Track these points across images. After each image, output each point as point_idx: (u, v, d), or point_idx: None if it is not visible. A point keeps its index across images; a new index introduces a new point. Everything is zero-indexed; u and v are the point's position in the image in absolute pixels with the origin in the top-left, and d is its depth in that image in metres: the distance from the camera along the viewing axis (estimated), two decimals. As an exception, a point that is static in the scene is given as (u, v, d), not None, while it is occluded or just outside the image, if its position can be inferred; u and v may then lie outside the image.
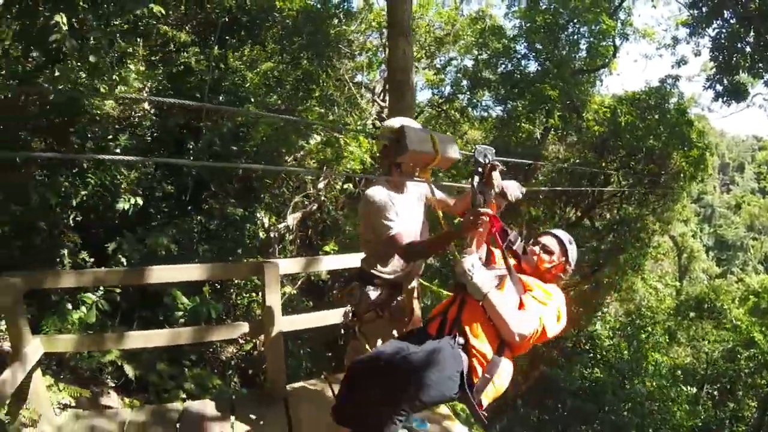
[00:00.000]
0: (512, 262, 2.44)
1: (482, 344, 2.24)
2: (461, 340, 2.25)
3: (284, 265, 3.55)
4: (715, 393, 10.80)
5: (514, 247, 2.54)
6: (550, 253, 2.50)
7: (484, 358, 2.22)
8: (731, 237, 33.56)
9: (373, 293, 2.68)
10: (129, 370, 4.48)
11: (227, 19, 7.16)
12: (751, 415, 10.13)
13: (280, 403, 3.40)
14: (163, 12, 5.26)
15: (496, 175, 2.21)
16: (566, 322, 2.34)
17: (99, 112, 6.08)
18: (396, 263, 2.69)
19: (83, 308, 4.51)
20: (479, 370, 2.21)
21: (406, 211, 2.65)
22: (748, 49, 9.54)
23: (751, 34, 9.32)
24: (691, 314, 13.31)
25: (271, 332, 3.38)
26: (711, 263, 27.47)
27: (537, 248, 2.52)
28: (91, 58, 4.56)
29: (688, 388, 10.59)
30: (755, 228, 32.82)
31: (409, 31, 4.53)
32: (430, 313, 2.57)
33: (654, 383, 8.95)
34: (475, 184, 2.20)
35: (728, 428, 9.96)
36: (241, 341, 6.17)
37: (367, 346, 2.72)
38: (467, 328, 2.27)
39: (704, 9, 9.89)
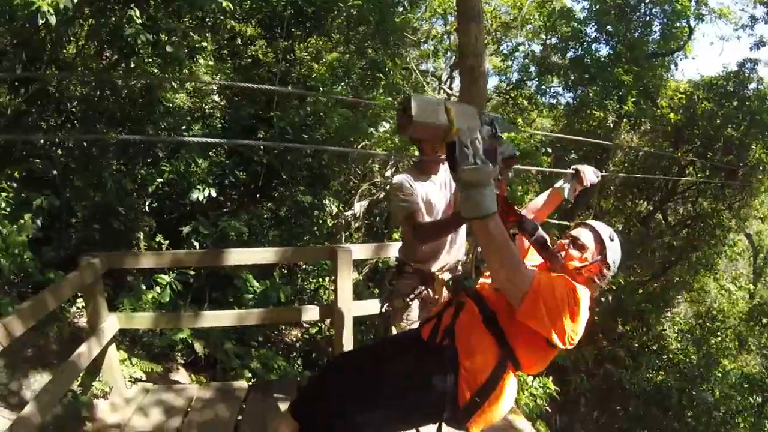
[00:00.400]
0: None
1: (474, 361, 1.80)
2: (451, 354, 1.83)
3: (355, 251, 3.58)
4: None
5: (533, 239, 1.99)
6: (582, 248, 1.95)
7: (474, 378, 1.79)
8: (814, 237, 30.98)
9: (404, 282, 2.66)
10: (198, 348, 4.68)
11: (292, 11, 7.28)
12: (819, 431, 9.34)
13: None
14: (231, 7, 5.40)
15: (501, 149, 1.77)
16: (574, 345, 1.73)
17: (172, 104, 6.37)
18: (427, 252, 2.60)
19: (157, 288, 4.75)
20: (467, 391, 1.79)
21: (430, 196, 2.57)
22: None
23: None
24: (764, 320, 12.38)
25: (341, 316, 3.42)
26: (791, 266, 25.44)
27: (566, 242, 2.00)
28: (168, 48, 4.75)
29: (755, 398, 9.92)
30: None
31: (480, 16, 4.42)
32: (430, 312, 2.27)
33: (720, 392, 8.44)
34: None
35: (791, 444, 9.25)
36: (306, 325, 6.31)
37: (395, 331, 2.71)
38: (459, 340, 1.86)
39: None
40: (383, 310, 2.73)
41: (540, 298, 1.62)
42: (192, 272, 5.04)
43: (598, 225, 2.03)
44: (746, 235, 18.06)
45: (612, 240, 1.98)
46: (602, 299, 8.40)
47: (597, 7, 10.14)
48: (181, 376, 4.83)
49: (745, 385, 9.95)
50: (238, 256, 3.56)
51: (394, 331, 2.68)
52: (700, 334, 10.48)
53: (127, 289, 4.70)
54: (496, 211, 1.50)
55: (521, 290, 1.62)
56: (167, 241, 5.50)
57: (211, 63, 7.62)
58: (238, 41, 7.99)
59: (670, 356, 8.86)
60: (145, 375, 4.21)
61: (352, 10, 8.12)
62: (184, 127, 6.31)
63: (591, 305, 1.80)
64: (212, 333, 4.83)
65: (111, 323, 3.29)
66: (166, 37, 5.03)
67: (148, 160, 6.02)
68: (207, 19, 7.18)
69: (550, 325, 1.64)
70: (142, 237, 5.46)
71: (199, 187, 5.73)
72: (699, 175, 10.08)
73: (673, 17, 10.05)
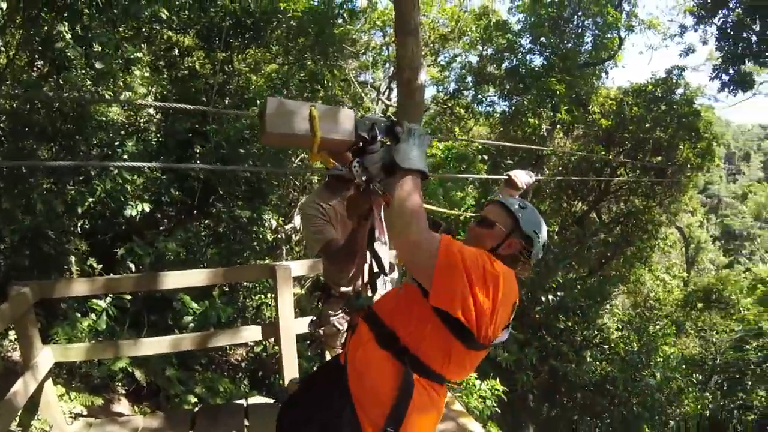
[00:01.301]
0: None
1: (364, 386, 1.56)
2: (343, 384, 1.61)
3: (295, 268, 3.55)
4: (724, 383, 10.75)
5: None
6: (491, 225, 1.69)
7: (371, 406, 1.54)
8: (738, 227, 33.35)
9: (331, 307, 2.52)
10: (139, 376, 4.50)
11: (231, 23, 7.16)
12: (761, 404, 10.08)
13: (294, 406, 3.40)
14: (167, 14, 5.24)
15: (373, 157, 1.59)
16: (495, 324, 1.50)
17: (105, 118, 6.11)
18: (352, 275, 2.36)
19: (93, 315, 4.54)
20: (368, 426, 1.54)
21: (344, 213, 2.32)
22: (754, 38, 9.44)
23: (757, 23, 9.23)
24: (699, 305, 13.26)
25: (284, 335, 3.38)
26: (718, 253, 27.34)
27: (474, 224, 1.78)
28: (98, 65, 4.56)
29: (696, 376, 10.58)
30: (762, 217, 32.63)
31: (417, 30, 4.51)
32: None
33: (662, 375, 8.93)
34: (356, 163, 1.61)
35: (737, 418, 9.92)
36: (251, 344, 6.18)
37: (329, 357, 2.62)
38: (349, 366, 1.63)
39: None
40: (314, 335, 2.62)
41: (451, 260, 1.40)
42: (128, 296, 4.84)
43: (505, 198, 1.80)
44: (677, 228, 19.34)
45: (523, 207, 1.73)
46: (542, 298, 8.73)
47: (532, 19, 10.60)
48: (123, 407, 4.63)
49: (683, 367, 10.61)
50: (175, 279, 3.44)
51: (328, 356, 2.64)
52: (639, 323, 11.05)
53: (61, 318, 4.47)
54: (423, 171, 1.50)
55: (430, 251, 1.41)
56: (101, 265, 5.26)
57: (146, 74, 7.38)
58: (175, 52, 7.77)
59: (612, 347, 9.27)
60: (86, 409, 4.01)
61: (291, 22, 8.09)
62: (117, 143, 6.06)
63: (516, 289, 1.59)
64: (152, 359, 4.67)
65: (46, 357, 3.10)
66: (100, 49, 4.83)
67: (80, 178, 5.74)
68: (143, 29, 6.95)
69: (461, 296, 1.40)
70: (74, 261, 5.20)
71: (132, 203, 5.51)
72: (630, 175, 10.65)
73: (604, 29, 10.70)
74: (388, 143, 1.61)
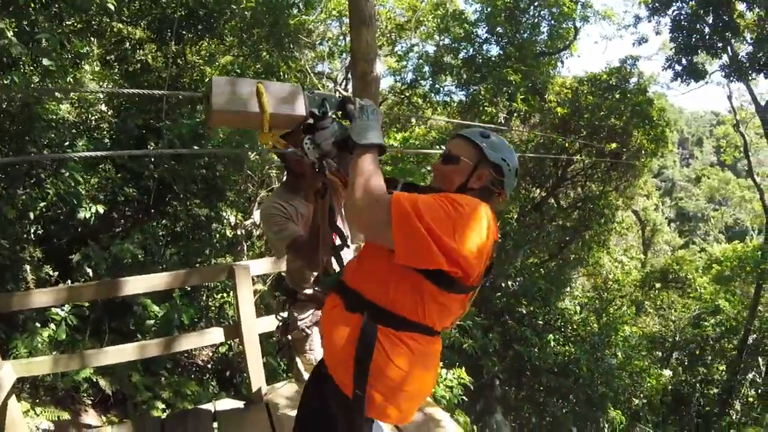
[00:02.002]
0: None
1: (333, 348, 1.57)
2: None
3: (254, 267, 3.50)
4: (685, 359, 11.30)
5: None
6: (454, 160, 1.60)
7: (341, 364, 1.54)
8: (692, 209, 34.85)
9: (299, 312, 2.42)
10: (105, 386, 4.38)
11: (183, 14, 6.93)
12: (721, 378, 10.65)
13: (261, 405, 3.38)
14: (116, 5, 5.01)
15: (324, 133, 1.56)
16: (468, 264, 1.39)
17: (54, 117, 5.85)
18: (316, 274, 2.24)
19: (52, 325, 4.37)
20: (347, 387, 1.52)
21: (305, 210, 2.28)
22: (706, 29, 9.83)
23: (710, 15, 9.60)
24: (657, 285, 13.83)
25: (247, 335, 3.34)
26: (673, 235, 28.43)
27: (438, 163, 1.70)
28: (45, 62, 4.35)
29: (657, 354, 11.05)
30: (715, 199, 34.13)
31: (372, 20, 4.46)
32: None
33: (624, 354, 9.28)
34: (307, 140, 1.57)
35: (699, 392, 10.45)
36: (215, 344, 6.09)
37: (300, 363, 2.57)
38: (323, 341, 1.67)
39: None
40: (283, 341, 2.52)
41: (404, 219, 1.32)
42: (87, 303, 4.68)
43: (467, 130, 1.70)
44: (633, 211, 20.02)
45: (486, 137, 1.62)
46: (503, 284, 8.92)
47: (488, 9, 10.68)
48: (90, 417, 4.51)
49: (644, 345, 11.07)
50: (135, 285, 3.33)
51: (299, 362, 2.59)
52: (599, 305, 11.45)
53: (20, 330, 4.28)
54: (381, 145, 1.46)
55: (384, 209, 1.34)
56: (56, 272, 5.05)
57: (97, 69, 7.08)
58: (126, 45, 7.48)
59: (574, 329, 9.56)
60: (53, 423, 3.88)
61: (245, 12, 7.90)
62: (68, 143, 5.81)
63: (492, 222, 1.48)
64: (117, 367, 4.54)
65: (7, 373, 2.95)
66: (47, 44, 4.59)
67: (31, 181, 5.48)
68: (92, 22, 6.66)
69: (426, 250, 1.32)
70: (29, 270, 4.98)
71: (86, 205, 5.30)
72: (587, 161, 10.95)
73: (560, 19, 10.88)
74: (339, 119, 1.60)
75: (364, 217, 1.40)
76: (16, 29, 4.20)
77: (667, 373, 10.34)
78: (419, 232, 1.31)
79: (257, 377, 3.43)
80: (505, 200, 1.67)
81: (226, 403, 3.48)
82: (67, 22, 5.44)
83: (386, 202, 1.35)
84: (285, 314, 2.48)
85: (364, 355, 1.45)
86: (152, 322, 4.98)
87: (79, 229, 5.62)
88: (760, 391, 9.69)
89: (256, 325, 3.38)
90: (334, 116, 1.59)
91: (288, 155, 2.18)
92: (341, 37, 11.06)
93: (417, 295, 1.45)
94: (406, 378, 1.48)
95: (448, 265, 1.35)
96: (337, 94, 1.63)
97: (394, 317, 1.46)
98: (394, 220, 1.33)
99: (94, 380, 4.41)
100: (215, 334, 3.47)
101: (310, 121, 1.55)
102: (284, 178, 2.48)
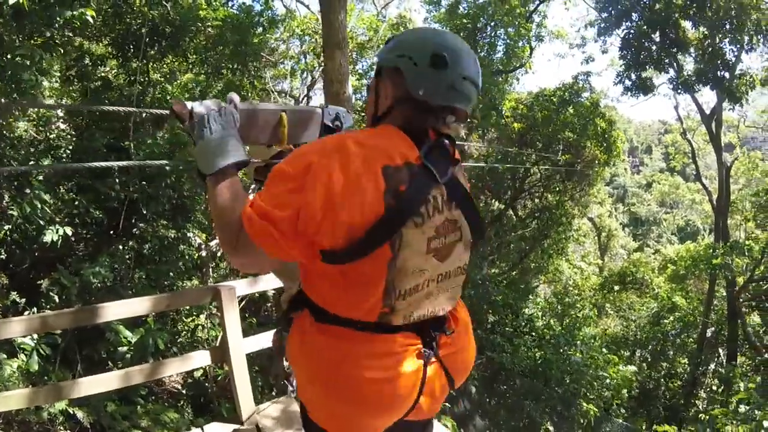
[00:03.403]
0: None
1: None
2: None
3: (239, 287, 3.50)
4: (648, 355, 11.82)
5: None
6: (369, 92, 1.32)
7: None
8: (644, 213, 36.53)
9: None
10: (83, 418, 4.21)
11: (148, 29, 6.83)
12: (684, 371, 11.22)
13: (252, 429, 3.37)
14: (94, 17, 4.88)
15: None
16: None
17: (11, 134, 5.64)
18: None
19: (22, 356, 4.19)
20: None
21: None
22: (654, 47, 10.50)
23: (657, 33, 10.28)
24: (616, 287, 14.45)
25: (234, 357, 3.33)
26: (628, 239, 29.72)
27: None
28: (25, 75, 4.22)
29: (621, 352, 11.52)
30: (666, 203, 35.87)
31: (345, 42, 4.59)
32: None
33: (585, 353, 9.64)
34: None
35: (664, 385, 10.97)
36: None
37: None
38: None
39: (613, 12, 10.80)
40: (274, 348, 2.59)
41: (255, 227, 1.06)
42: (58, 331, 4.51)
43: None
44: (589, 218, 20.90)
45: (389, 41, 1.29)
46: (469, 294, 9.14)
47: (447, 28, 11.06)
48: (68, 452, 4.32)
49: (608, 342, 11.53)
50: (115, 310, 3.25)
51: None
52: (561, 310, 11.87)
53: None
54: (216, 172, 1.16)
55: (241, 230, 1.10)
56: (23, 299, 4.85)
57: (56, 85, 6.87)
58: (87, 61, 7.28)
59: (539, 333, 9.88)
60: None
61: (209, 30, 7.87)
62: (31, 161, 5.61)
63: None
64: (92, 397, 4.36)
65: None
66: (18, 59, 4.44)
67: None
68: (54, 37, 6.48)
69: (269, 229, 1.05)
70: (-7, 296, 4.77)
71: (51, 228, 5.12)
72: (543, 171, 11.43)
73: (516, 38, 11.35)
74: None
75: (241, 258, 1.16)
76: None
77: (631, 368, 10.81)
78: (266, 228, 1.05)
79: (246, 399, 3.41)
80: (444, 114, 1.19)
81: (215, 428, 3.44)
82: (34, 38, 5.26)
83: (242, 230, 1.09)
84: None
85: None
86: (125, 349, 4.83)
87: (43, 253, 5.42)
88: (723, 379, 10.24)
89: (243, 347, 3.38)
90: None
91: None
92: (303, 56, 11.13)
93: (322, 278, 1.18)
94: (318, 375, 1.20)
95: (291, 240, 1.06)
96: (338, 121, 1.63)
97: (315, 306, 1.21)
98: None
99: (71, 412, 4.24)
100: (200, 358, 3.43)
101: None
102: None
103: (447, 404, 5.49)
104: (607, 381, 9.45)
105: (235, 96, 1.30)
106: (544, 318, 10.98)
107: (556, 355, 8.93)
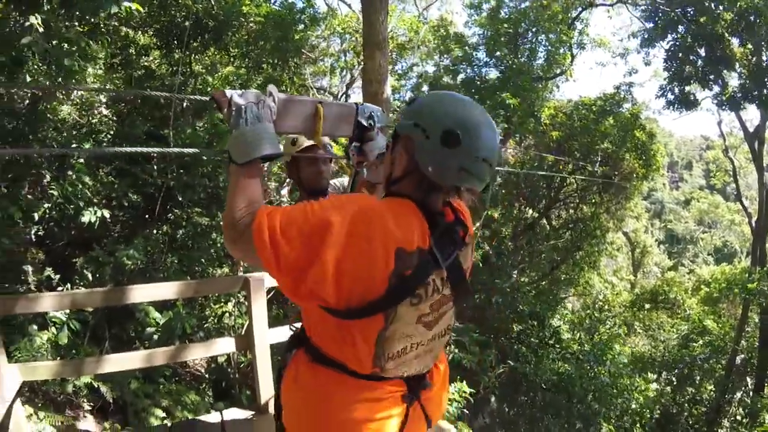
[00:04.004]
0: None
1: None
2: None
3: (267, 278, 3.52)
4: (673, 379, 11.42)
5: None
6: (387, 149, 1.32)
7: None
8: (681, 231, 35.39)
9: None
10: (106, 392, 4.34)
11: (192, 23, 7.00)
12: (709, 397, 10.78)
13: (270, 417, 3.38)
14: (141, 9, 5.03)
15: (371, 144, 1.62)
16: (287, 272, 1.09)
17: (55, 117, 5.84)
18: None
19: (53, 329, 4.34)
20: None
21: None
22: (699, 62, 10.17)
23: (703, 48, 9.96)
24: (647, 306, 14.01)
25: (259, 346, 3.36)
26: (663, 256, 28.86)
27: None
28: (66, 62, 4.36)
29: (648, 374, 11.16)
30: (704, 222, 34.70)
31: (385, 43, 4.59)
32: None
33: (613, 372, 9.38)
34: (353, 148, 1.64)
35: (687, 411, 10.57)
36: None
37: None
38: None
39: (659, 23, 10.49)
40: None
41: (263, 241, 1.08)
42: (90, 308, 4.66)
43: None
44: (623, 233, 20.39)
45: (410, 102, 1.30)
46: (497, 303, 9.01)
47: (489, 33, 10.95)
48: (89, 424, 4.46)
49: (637, 363, 11.19)
50: (145, 293, 3.34)
51: None
52: (590, 324, 11.57)
53: (17, 332, 4.23)
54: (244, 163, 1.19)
55: (245, 226, 1.12)
56: (58, 275, 5.01)
57: (100, 72, 7.10)
58: (131, 50, 7.51)
59: (565, 347, 9.65)
60: (56, 429, 3.84)
61: (251, 25, 8.00)
62: (74, 144, 5.80)
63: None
64: (117, 374, 4.49)
65: (13, 377, 2.94)
66: (65, 45, 4.60)
67: (35, 181, 5.47)
68: (101, 25, 6.69)
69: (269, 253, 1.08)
70: (30, 271, 4.94)
71: (90, 209, 5.28)
72: (579, 184, 11.17)
73: (557, 45, 11.15)
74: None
75: (240, 253, 1.19)
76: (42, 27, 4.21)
77: (653, 386, 10.45)
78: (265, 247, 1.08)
79: (267, 388, 3.43)
80: (457, 189, 1.19)
81: (233, 413, 3.48)
82: (80, 25, 5.45)
83: (248, 233, 1.11)
84: (298, 325, 2.52)
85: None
86: (153, 330, 4.94)
87: (82, 233, 5.59)
88: (748, 410, 9.82)
89: (268, 337, 3.40)
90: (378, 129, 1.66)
91: (303, 173, 2.24)
92: (342, 54, 11.20)
93: (319, 322, 1.23)
94: (306, 412, 1.26)
95: (289, 281, 1.10)
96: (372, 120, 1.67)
97: (316, 351, 1.25)
98: (256, 227, 1.10)
99: (95, 386, 4.36)
100: (226, 344, 3.48)
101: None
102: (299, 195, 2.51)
103: (466, 411, 5.43)
104: (632, 404, 9.17)
105: (273, 88, 1.32)
106: (571, 331, 10.73)
107: (580, 370, 8.71)
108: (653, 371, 11.67)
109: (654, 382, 11.12)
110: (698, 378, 10.99)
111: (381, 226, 1.09)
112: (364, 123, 1.60)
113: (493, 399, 8.53)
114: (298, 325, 2.46)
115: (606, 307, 13.67)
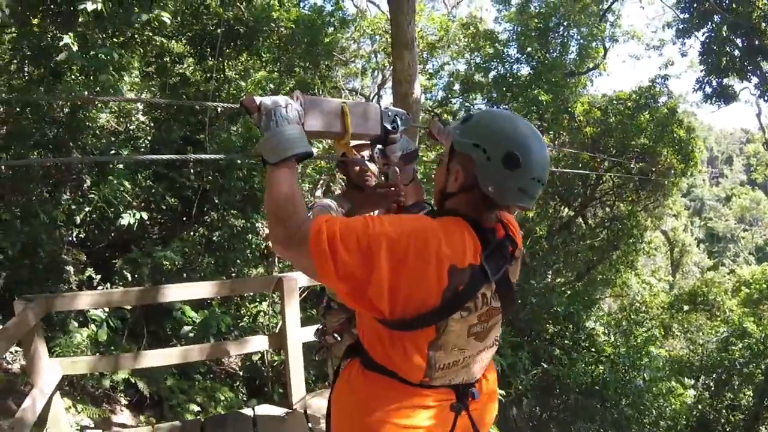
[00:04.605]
0: None
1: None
2: None
3: (300, 278, 3.59)
4: (711, 383, 11.00)
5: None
6: (441, 161, 1.37)
7: None
8: (722, 229, 34.01)
9: (331, 318, 2.44)
10: (143, 387, 4.50)
11: (224, 30, 7.18)
12: (748, 404, 10.33)
13: (301, 414, 3.45)
14: (169, 20, 5.21)
15: (394, 147, 1.67)
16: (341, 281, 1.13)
17: (94, 124, 6.08)
18: None
19: (92, 326, 4.52)
20: None
21: None
22: (736, 52, 9.78)
23: (740, 39, 9.57)
24: (685, 307, 13.54)
25: (291, 345, 3.42)
26: (703, 256, 27.83)
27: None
28: (102, 77, 4.56)
29: (685, 380, 10.79)
30: (746, 220, 33.33)
31: (413, 44, 4.60)
32: None
33: (650, 376, 9.12)
34: (377, 152, 1.68)
35: (725, 417, 10.16)
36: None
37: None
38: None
39: (694, 13, 10.14)
40: (321, 342, 2.55)
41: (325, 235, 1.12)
42: (128, 306, 4.84)
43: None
44: (662, 231, 19.76)
45: (467, 120, 1.32)
46: (531, 303, 8.86)
47: (519, 29, 10.78)
48: (125, 417, 4.62)
49: (675, 367, 10.83)
50: (182, 292, 3.46)
51: (330, 364, 2.63)
52: (626, 326, 11.26)
53: (57, 328, 4.44)
54: (279, 162, 1.23)
55: (303, 231, 1.16)
56: (99, 276, 5.23)
57: (136, 80, 7.34)
58: (166, 58, 7.75)
59: (601, 350, 9.43)
60: (93, 421, 4.01)
61: (282, 30, 8.14)
62: (112, 151, 6.04)
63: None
64: (153, 370, 4.65)
65: (54, 370, 3.10)
66: (104, 59, 4.80)
67: (76, 186, 5.71)
68: (136, 36, 6.94)
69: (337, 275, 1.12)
70: (72, 272, 5.17)
71: (129, 212, 5.49)
72: (616, 181, 10.88)
73: (589, 38, 10.90)
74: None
75: (289, 253, 1.23)
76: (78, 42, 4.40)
77: (691, 392, 10.09)
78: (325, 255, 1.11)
79: (298, 386, 3.50)
80: (509, 206, 1.24)
81: (265, 409, 3.55)
82: (116, 37, 5.66)
83: (304, 238, 1.14)
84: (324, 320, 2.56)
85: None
86: (189, 328, 5.10)
87: (122, 235, 5.81)
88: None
89: (301, 336, 3.47)
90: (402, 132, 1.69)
91: (351, 170, 2.28)
92: (373, 55, 11.25)
93: (375, 334, 1.27)
94: (354, 417, 1.31)
95: (347, 290, 1.15)
96: (403, 114, 1.71)
97: (370, 359, 1.30)
98: (313, 236, 1.13)
99: (132, 381, 4.53)
100: (260, 342, 3.57)
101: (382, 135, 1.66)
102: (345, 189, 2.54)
103: (497, 414, 5.37)
104: (667, 409, 8.88)
105: (299, 93, 1.39)
106: (606, 334, 10.47)
107: (615, 374, 8.49)
108: (691, 376, 11.26)
109: (691, 387, 10.72)
110: (737, 383, 10.55)
111: (435, 245, 1.15)
112: (389, 127, 1.64)
113: (525, 401, 8.41)
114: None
115: (643, 308, 13.28)
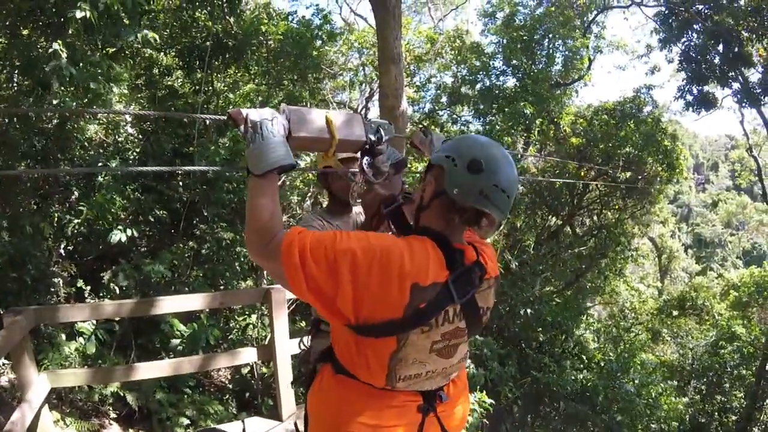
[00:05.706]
0: None
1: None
2: None
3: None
4: (702, 387, 11.11)
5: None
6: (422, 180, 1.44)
7: None
8: (709, 234, 34.42)
9: (320, 341, 2.14)
10: (131, 401, 4.47)
11: (212, 43, 7.23)
12: (740, 405, 10.45)
13: (290, 426, 3.46)
14: (156, 39, 5.26)
15: (381, 158, 1.70)
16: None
17: (82, 136, 6.07)
18: None
19: (80, 339, 4.50)
20: None
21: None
22: (717, 60, 9.98)
23: (720, 46, 9.77)
24: (674, 312, 13.68)
25: (280, 357, 3.44)
26: (691, 261, 28.13)
27: None
28: (92, 86, 4.57)
29: (675, 382, 10.88)
30: (732, 224, 33.72)
31: (400, 58, 4.68)
32: None
33: (640, 381, 9.18)
34: (365, 162, 1.69)
35: (717, 420, 10.25)
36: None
37: None
38: None
39: (673, 24, 10.34)
40: (302, 370, 2.37)
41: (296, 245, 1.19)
42: (116, 319, 4.82)
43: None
44: (650, 238, 19.97)
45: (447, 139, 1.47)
46: (520, 312, 8.92)
47: (505, 41, 10.96)
48: (113, 431, 4.58)
49: (665, 371, 10.90)
50: (171, 304, 3.48)
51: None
52: (616, 333, 11.35)
53: (46, 341, 4.41)
54: (261, 174, 1.29)
55: (276, 242, 1.22)
56: (88, 287, 5.21)
57: (125, 91, 7.35)
58: (155, 70, 7.77)
59: (590, 357, 9.48)
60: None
61: (270, 43, 8.21)
62: (100, 163, 6.03)
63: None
64: (143, 383, 4.62)
65: (42, 384, 3.09)
66: (90, 68, 4.81)
67: (65, 199, 5.71)
68: (125, 48, 6.95)
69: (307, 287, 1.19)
70: (61, 284, 5.15)
71: (120, 227, 5.48)
72: (602, 190, 11.01)
73: (574, 50, 11.09)
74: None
75: (263, 262, 1.31)
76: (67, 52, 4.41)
77: (684, 400, 10.16)
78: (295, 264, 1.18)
79: (288, 398, 3.51)
80: (479, 222, 1.31)
81: (254, 422, 3.56)
82: (106, 49, 5.68)
83: (276, 249, 1.21)
84: (308, 343, 2.32)
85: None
86: (178, 341, 5.08)
87: (110, 248, 5.79)
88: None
89: (289, 348, 3.49)
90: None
91: (333, 183, 2.28)
92: (361, 68, 11.36)
93: (341, 337, 1.34)
94: (326, 418, 1.38)
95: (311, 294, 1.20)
96: (385, 124, 1.76)
97: (339, 364, 1.37)
98: (285, 246, 1.20)
99: (121, 395, 4.50)
100: (249, 354, 3.58)
101: (368, 146, 1.69)
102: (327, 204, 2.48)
103: (485, 421, 5.40)
104: (658, 413, 8.94)
105: (285, 106, 1.45)
106: (596, 341, 10.55)
107: (605, 380, 8.54)
108: (682, 380, 11.36)
109: (682, 391, 10.81)
110: (728, 386, 10.66)
111: (398, 262, 1.21)
112: (373, 138, 1.68)
113: (515, 409, 8.42)
114: (307, 343, 2.46)
115: (632, 315, 13.39)
